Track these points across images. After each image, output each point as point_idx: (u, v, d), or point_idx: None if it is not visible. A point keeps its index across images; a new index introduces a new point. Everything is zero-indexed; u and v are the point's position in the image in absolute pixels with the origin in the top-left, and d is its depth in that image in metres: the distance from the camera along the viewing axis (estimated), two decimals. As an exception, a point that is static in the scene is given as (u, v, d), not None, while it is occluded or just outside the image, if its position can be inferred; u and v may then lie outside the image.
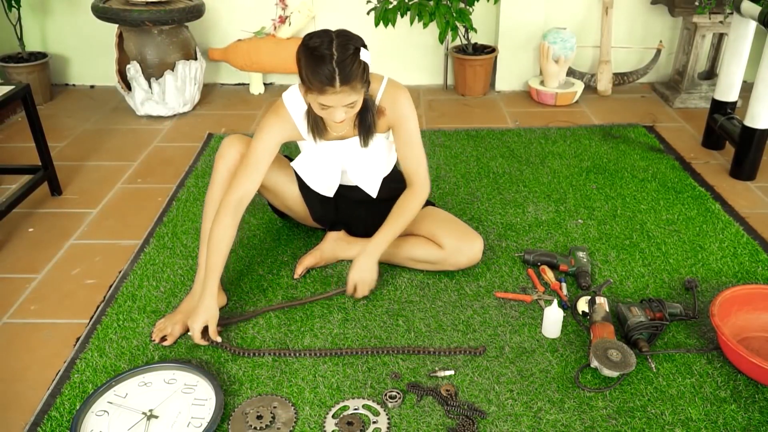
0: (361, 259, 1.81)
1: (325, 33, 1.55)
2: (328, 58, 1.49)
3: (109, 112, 3.40)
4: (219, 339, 1.69)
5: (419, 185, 1.85)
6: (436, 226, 1.93)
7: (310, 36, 1.55)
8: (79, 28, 3.60)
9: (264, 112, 3.36)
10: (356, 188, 1.95)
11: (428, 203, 2.04)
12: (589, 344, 1.70)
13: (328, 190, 1.94)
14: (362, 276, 1.81)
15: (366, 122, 1.73)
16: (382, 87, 1.74)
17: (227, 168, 1.80)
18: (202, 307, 1.67)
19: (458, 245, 1.90)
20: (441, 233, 1.90)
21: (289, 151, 2.71)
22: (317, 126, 1.74)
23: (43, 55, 3.51)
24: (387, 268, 2.02)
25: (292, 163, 1.89)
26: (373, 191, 1.93)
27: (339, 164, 1.86)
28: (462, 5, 3.24)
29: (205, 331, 1.68)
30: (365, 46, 1.57)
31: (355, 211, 2.03)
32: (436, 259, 1.93)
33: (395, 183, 1.95)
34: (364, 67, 1.55)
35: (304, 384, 1.59)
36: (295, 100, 1.73)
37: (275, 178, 1.93)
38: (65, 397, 1.56)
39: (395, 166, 2.00)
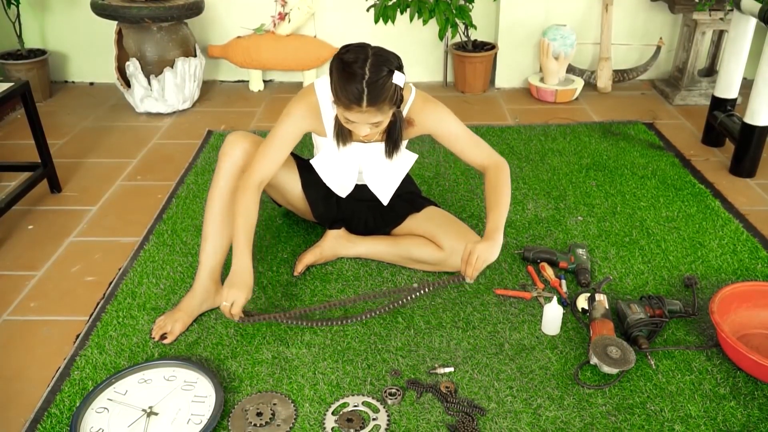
0: (486, 237, 1.65)
1: (362, 49, 1.52)
2: (359, 77, 1.47)
3: (108, 109, 3.40)
4: (250, 320, 1.69)
5: (495, 163, 1.78)
6: (436, 226, 1.92)
7: (346, 49, 1.53)
8: (78, 25, 3.60)
9: (264, 110, 3.36)
10: (361, 187, 1.95)
11: (429, 202, 2.04)
12: (588, 341, 1.70)
13: (343, 191, 1.93)
14: (486, 251, 1.62)
15: (393, 135, 1.73)
16: (410, 100, 1.74)
17: (231, 166, 1.79)
18: (241, 280, 1.63)
19: (458, 246, 1.88)
20: (440, 234, 1.90)
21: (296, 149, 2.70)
22: (342, 132, 1.73)
23: (43, 52, 3.51)
24: (386, 266, 2.02)
25: (311, 161, 1.88)
26: (385, 199, 1.93)
27: (357, 166, 1.86)
28: (462, 2, 3.24)
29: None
30: (401, 68, 1.54)
31: (357, 209, 2.03)
32: (435, 260, 1.92)
33: (400, 188, 1.97)
34: (395, 89, 1.53)
35: (304, 381, 1.59)
36: (327, 93, 1.71)
37: (279, 175, 1.92)
38: (65, 395, 1.56)
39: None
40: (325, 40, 3.60)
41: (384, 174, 1.87)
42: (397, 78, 1.52)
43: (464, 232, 1.92)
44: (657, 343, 1.70)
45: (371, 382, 1.59)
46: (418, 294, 1.70)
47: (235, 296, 1.62)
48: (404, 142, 1.82)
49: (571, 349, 1.68)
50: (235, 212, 1.69)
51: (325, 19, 3.59)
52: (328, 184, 1.92)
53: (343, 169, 1.86)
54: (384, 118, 1.58)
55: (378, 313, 1.78)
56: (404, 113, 1.73)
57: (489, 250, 1.63)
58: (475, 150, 1.80)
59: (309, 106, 1.73)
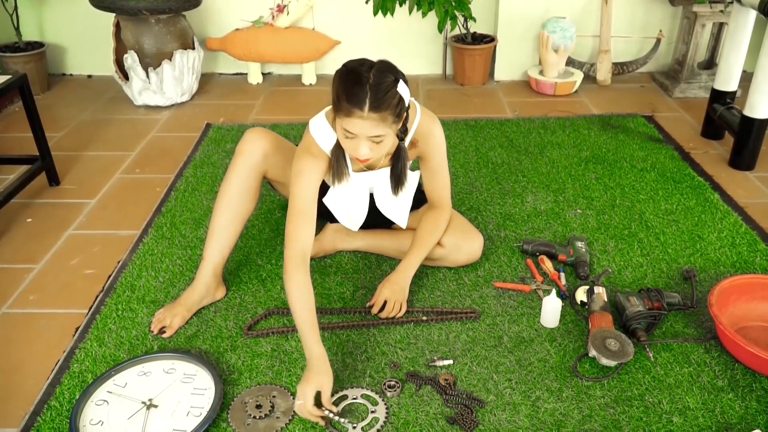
0: (393, 276, 1.80)
1: (365, 59, 1.50)
2: (364, 80, 1.43)
3: (106, 102, 3.39)
4: (335, 409, 1.46)
5: (444, 207, 1.86)
6: None
7: (350, 60, 1.50)
8: (76, 18, 3.58)
9: (263, 103, 3.36)
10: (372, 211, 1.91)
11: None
12: (587, 334, 1.70)
13: (355, 225, 1.88)
14: (395, 293, 1.77)
15: (397, 171, 1.69)
16: (416, 119, 1.69)
17: (247, 164, 1.75)
18: (314, 370, 1.47)
19: (458, 243, 1.89)
20: None
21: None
22: (338, 165, 1.65)
23: (40, 44, 3.50)
24: (386, 259, 2.02)
25: (323, 200, 1.79)
26: (402, 222, 1.88)
27: (367, 196, 1.82)
28: (461, -6, 3.23)
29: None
30: (405, 81, 1.50)
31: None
32: (435, 256, 1.92)
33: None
34: (399, 99, 1.46)
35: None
36: (323, 133, 1.63)
37: (282, 170, 1.90)
38: (65, 387, 1.56)
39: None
40: (324, 33, 3.59)
41: (395, 198, 1.82)
42: (402, 88, 1.47)
43: (464, 228, 1.92)
44: (655, 335, 1.71)
45: (370, 374, 1.59)
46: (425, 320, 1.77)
47: (322, 382, 1.46)
48: (409, 163, 1.77)
49: (569, 342, 1.69)
50: (290, 299, 1.55)
51: (324, 12, 3.57)
52: (340, 220, 1.87)
53: (353, 200, 1.80)
54: (385, 133, 1.48)
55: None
56: (411, 132, 1.69)
57: (403, 290, 1.78)
58: (441, 185, 1.84)
59: (313, 155, 1.64)
